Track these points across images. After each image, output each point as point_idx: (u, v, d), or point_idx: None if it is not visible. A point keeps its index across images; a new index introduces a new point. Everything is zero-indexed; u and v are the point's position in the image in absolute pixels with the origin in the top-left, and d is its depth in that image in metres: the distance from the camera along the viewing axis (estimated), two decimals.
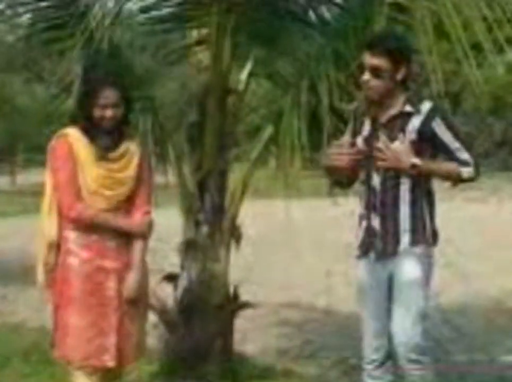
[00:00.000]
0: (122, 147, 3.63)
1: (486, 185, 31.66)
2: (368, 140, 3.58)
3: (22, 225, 17.87)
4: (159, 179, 4.75)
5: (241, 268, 8.87)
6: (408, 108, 3.52)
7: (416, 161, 3.47)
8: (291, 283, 9.86)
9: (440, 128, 3.51)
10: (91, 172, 3.54)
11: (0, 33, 24.24)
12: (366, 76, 3.50)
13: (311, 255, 12.52)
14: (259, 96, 5.90)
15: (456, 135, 3.55)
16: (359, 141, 3.62)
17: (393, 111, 3.53)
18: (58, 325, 3.60)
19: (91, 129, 3.58)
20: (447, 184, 3.74)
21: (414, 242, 3.53)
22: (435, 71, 4.28)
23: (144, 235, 3.65)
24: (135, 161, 3.64)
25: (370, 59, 3.48)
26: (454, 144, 3.52)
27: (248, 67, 5.14)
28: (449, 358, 6.21)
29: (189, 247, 4.99)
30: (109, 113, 3.55)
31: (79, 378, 3.56)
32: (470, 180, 3.59)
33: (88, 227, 3.55)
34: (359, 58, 3.62)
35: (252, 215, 12.08)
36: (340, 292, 9.33)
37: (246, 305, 5.20)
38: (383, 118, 3.55)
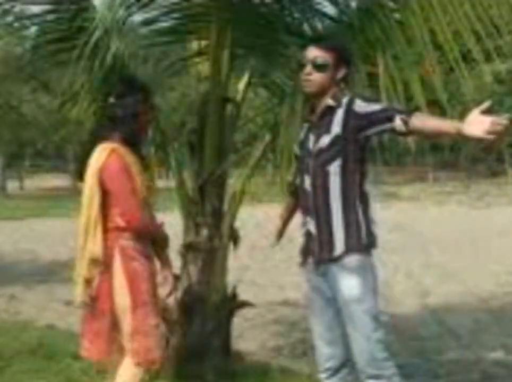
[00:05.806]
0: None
1: (474, 191, 31.90)
2: (303, 143, 3.53)
3: (30, 227, 18.01)
4: (160, 183, 4.89)
5: (239, 269, 9.04)
6: (331, 102, 3.41)
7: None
8: (286, 283, 9.98)
9: (361, 106, 3.32)
10: (141, 182, 3.64)
11: (8, 45, 24.24)
12: (308, 69, 3.43)
13: None
14: (257, 105, 5.94)
15: (377, 102, 3.43)
16: (295, 146, 3.66)
17: (320, 108, 3.45)
18: (134, 330, 3.59)
19: (132, 140, 3.64)
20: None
21: (347, 249, 3.36)
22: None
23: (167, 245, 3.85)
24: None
25: (316, 52, 3.44)
26: (382, 105, 3.35)
27: (245, 77, 5.26)
28: (438, 357, 6.39)
29: (189, 249, 5.06)
30: (152, 116, 3.73)
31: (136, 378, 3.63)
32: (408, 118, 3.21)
33: (138, 236, 3.65)
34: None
35: (249, 218, 12.22)
36: None
37: (243, 304, 5.28)
38: (314, 118, 3.48)
